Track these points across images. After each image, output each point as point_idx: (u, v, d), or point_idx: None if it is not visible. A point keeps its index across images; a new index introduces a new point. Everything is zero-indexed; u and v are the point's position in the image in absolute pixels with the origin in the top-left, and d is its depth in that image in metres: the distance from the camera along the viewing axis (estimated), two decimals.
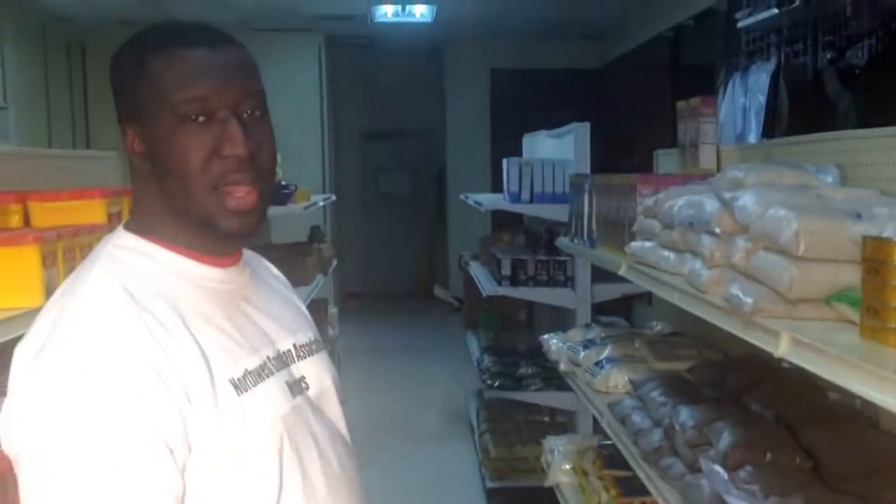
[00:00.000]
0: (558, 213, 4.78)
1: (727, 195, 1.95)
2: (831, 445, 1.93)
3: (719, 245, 1.94)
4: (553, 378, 5.17)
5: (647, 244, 2.49)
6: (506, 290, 5.09)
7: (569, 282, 4.95)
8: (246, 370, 1.31)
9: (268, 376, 1.34)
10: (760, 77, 5.78)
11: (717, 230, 1.93)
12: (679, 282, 2.16)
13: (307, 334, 1.50)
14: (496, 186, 8.07)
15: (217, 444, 1.24)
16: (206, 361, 1.26)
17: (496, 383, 5.37)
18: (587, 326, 3.74)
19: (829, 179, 2.05)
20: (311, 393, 1.44)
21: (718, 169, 2.93)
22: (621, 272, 2.65)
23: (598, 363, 3.22)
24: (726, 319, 1.77)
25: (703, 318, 1.89)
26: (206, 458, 1.23)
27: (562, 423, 5.45)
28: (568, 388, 4.97)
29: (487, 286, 5.25)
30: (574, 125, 4.82)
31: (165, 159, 1.29)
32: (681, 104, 3.10)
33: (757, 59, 6.01)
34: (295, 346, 1.45)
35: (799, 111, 5.20)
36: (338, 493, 1.38)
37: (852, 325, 1.55)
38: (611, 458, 3.59)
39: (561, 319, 5.17)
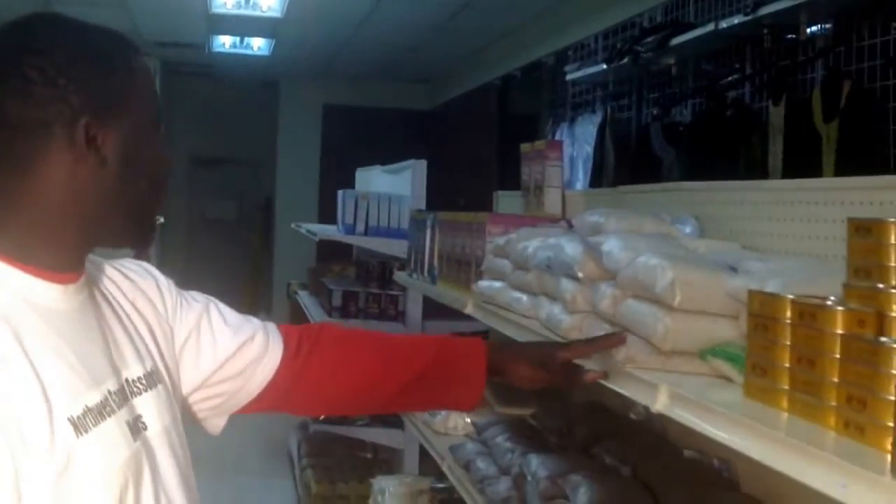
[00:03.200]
0: (392, 247, 4.71)
1: (591, 239, 1.89)
2: None
3: (582, 290, 1.88)
4: (380, 414, 5.06)
5: (497, 284, 2.42)
6: (336, 321, 4.96)
7: (400, 316, 4.87)
8: (86, 407, 1.16)
9: (109, 415, 1.20)
10: (587, 128, 5.93)
11: (580, 275, 1.87)
12: (534, 325, 2.09)
13: (144, 362, 1.34)
14: (323, 218, 7.99)
15: (48, 494, 1.09)
16: (45, 396, 1.11)
17: (321, 416, 5.20)
18: None
19: (688, 230, 2.03)
20: (149, 433, 1.29)
21: (563, 214, 2.90)
22: (467, 310, 2.57)
23: None
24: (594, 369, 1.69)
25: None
26: None
27: (385, 460, 5.33)
28: (396, 425, 4.88)
29: (317, 316, 5.13)
30: (412, 162, 4.79)
31: (146, 162, 1.28)
32: (525, 147, 3.07)
33: (584, 112, 6.18)
34: (131, 379, 1.29)
35: (624, 163, 5.36)
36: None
37: (727, 381, 1.51)
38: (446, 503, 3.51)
39: None
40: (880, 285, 1.27)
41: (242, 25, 7.95)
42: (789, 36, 4.06)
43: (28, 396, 1.09)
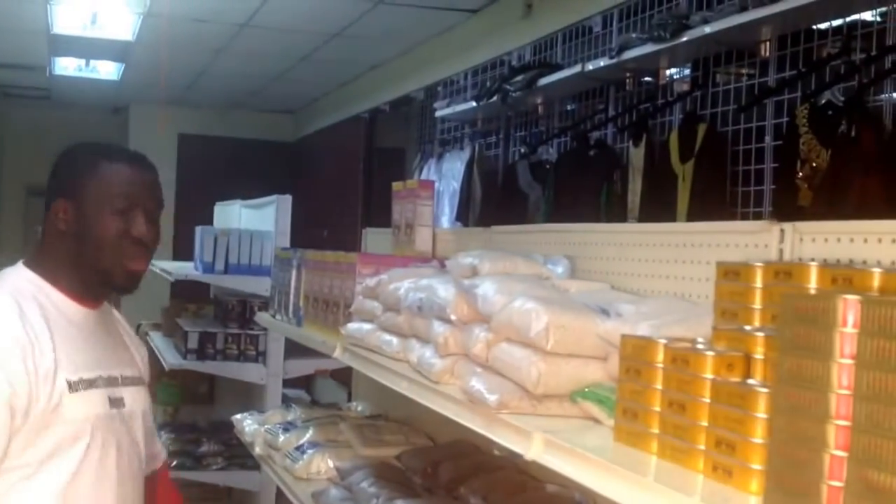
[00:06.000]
0: (253, 285, 4.59)
1: (465, 282, 1.88)
2: None
3: (454, 333, 1.85)
4: (237, 456, 4.91)
5: (366, 326, 2.37)
6: (191, 364, 4.78)
7: (260, 357, 4.73)
8: (81, 378, 1.82)
9: (96, 387, 1.85)
10: (455, 164, 5.98)
11: (453, 317, 1.85)
12: (405, 369, 2.05)
13: (134, 371, 2.01)
14: (179, 254, 7.67)
15: (44, 418, 1.75)
16: (56, 362, 1.78)
17: (174, 462, 4.99)
18: (287, 407, 3.54)
19: (560, 270, 2.04)
20: (125, 410, 1.92)
21: (434, 253, 2.88)
22: (336, 355, 2.51)
23: (299, 447, 3.03)
24: (466, 415, 1.67)
25: (439, 411, 1.78)
26: (32, 426, 1.74)
27: (239, 503, 5.17)
28: (253, 467, 4.74)
29: (170, 359, 4.91)
30: (275, 197, 4.67)
31: (93, 230, 1.87)
32: (397, 185, 3.05)
33: (452, 148, 6.23)
34: (122, 376, 1.94)
35: (491, 199, 5.42)
36: (122, 486, 1.87)
37: (596, 422, 1.51)
38: None
39: (247, 393, 4.93)
40: (747, 327, 1.30)
41: (88, 48, 7.27)
42: (649, 79, 4.19)
43: (45, 356, 1.76)
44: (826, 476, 0.88)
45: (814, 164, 3.38)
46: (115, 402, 1.89)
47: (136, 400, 1.97)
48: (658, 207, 3.86)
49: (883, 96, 3.21)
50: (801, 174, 3.36)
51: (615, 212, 4.13)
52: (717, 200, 3.65)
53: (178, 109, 10.49)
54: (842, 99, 3.22)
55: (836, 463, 0.88)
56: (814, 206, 3.17)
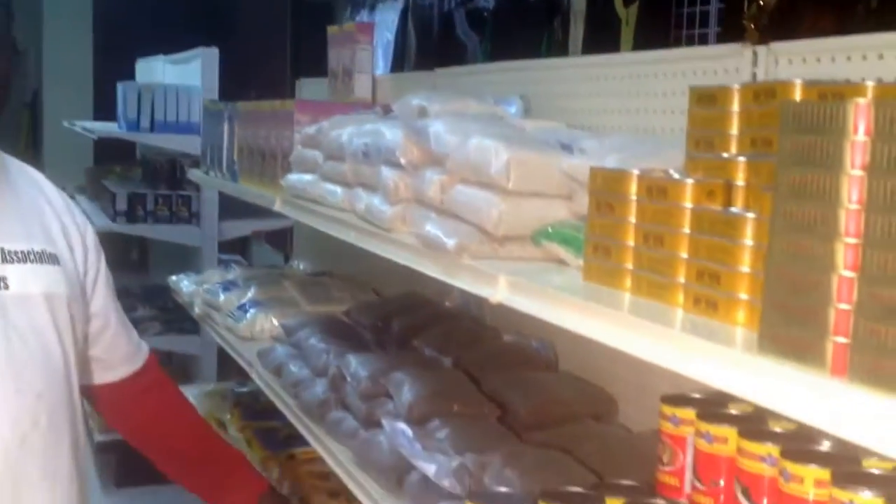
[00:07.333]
0: (182, 143, 4.41)
1: (415, 123, 1.77)
2: (516, 392, 1.83)
3: (404, 178, 1.75)
4: (174, 320, 4.81)
5: (307, 177, 2.26)
6: (121, 227, 4.63)
7: (194, 218, 4.59)
8: None
9: None
10: (388, 15, 5.75)
11: (403, 161, 1.75)
12: (350, 218, 1.96)
13: (30, 244, 1.56)
14: (100, 113, 7.36)
15: None
16: None
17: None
18: (226, 267, 3.44)
19: (513, 110, 1.94)
20: (8, 293, 1.51)
21: (374, 99, 2.76)
22: (276, 208, 2.40)
23: (241, 307, 2.95)
24: (423, 262, 1.59)
25: (394, 260, 1.70)
26: None
27: (181, 367, 5.11)
28: (192, 331, 4.66)
29: (98, 222, 4.74)
30: (200, 50, 4.45)
31: None
32: (333, 29, 2.89)
33: None
34: (3, 249, 1.52)
35: (427, 50, 5.24)
36: (19, 376, 1.49)
37: (561, 264, 1.44)
38: (249, 409, 3.36)
39: (182, 258, 4.80)
40: (725, 154, 1.22)
41: None
42: None
43: None
44: (834, 298, 0.82)
45: (761, 3, 3.29)
46: None
47: (31, 279, 1.55)
48: (601, 53, 3.75)
49: None
50: (748, 13, 3.27)
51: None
52: (662, 44, 3.55)
53: None
54: None
55: (845, 284, 0.81)
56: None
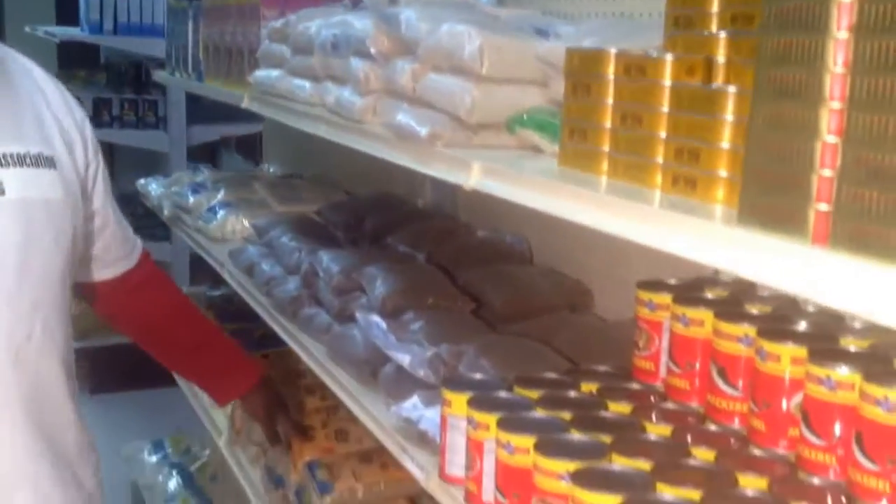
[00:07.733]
0: (147, 46, 4.29)
1: (386, 11, 1.72)
2: (491, 285, 1.83)
3: (374, 68, 1.71)
4: (144, 227, 4.75)
5: (275, 73, 2.21)
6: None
7: (161, 123, 4.51)
8: None
9: None
10: None
11: (373, 50, 1.70)
12: (321, 112, 1.92)
13: (26, 146, 1.48)
14: (62, 18, 7.16)
15: None
16: None
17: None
18: (195, 170, 3.38)
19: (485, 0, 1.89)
20: (4, 199, 1.44)
21: None
22: (244, 105, 2.35)
23: (211, 209, 2.91)
24: (395, 153, 1.56)
25: (365, 151, 1.66)
26: None
27: None
28: (162, 238, 4.62)
29: None
30: None
31: None
32: None
33: None
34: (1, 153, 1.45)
35: None
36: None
37: (537, 151, 1.42)
38: (222, 312, 3.35)
39: (150, 164, 4.73)
40: (705, 32, 1.19)
41: None
42: None
43: None
44: (817, 165, 0.80)
45: None
46: None
47: (31, 184, 1.47)
48: None
49: None
50: None
51: None
52: None
53: None
54: None
55: (829, 149, 0.80)
56: None
